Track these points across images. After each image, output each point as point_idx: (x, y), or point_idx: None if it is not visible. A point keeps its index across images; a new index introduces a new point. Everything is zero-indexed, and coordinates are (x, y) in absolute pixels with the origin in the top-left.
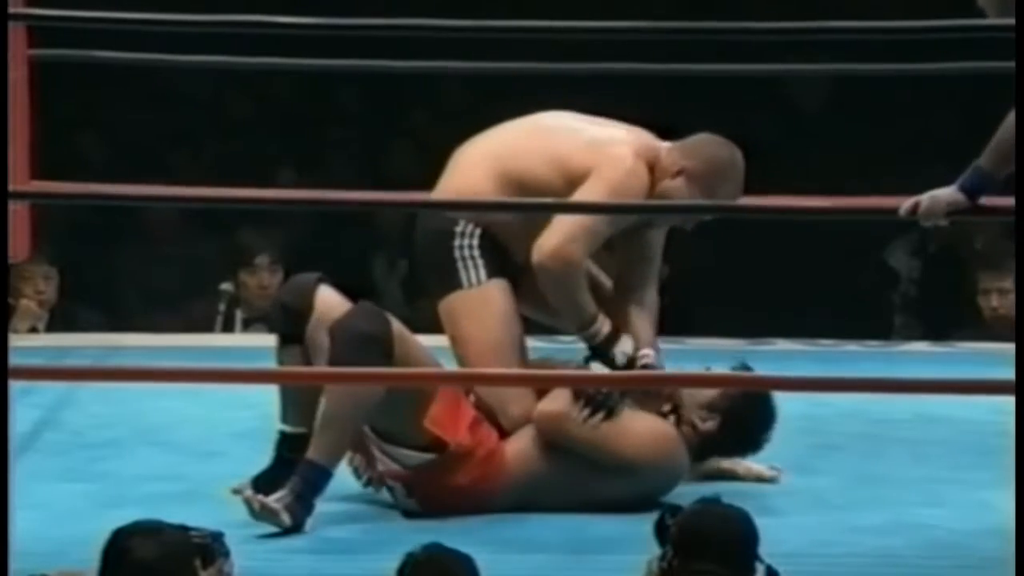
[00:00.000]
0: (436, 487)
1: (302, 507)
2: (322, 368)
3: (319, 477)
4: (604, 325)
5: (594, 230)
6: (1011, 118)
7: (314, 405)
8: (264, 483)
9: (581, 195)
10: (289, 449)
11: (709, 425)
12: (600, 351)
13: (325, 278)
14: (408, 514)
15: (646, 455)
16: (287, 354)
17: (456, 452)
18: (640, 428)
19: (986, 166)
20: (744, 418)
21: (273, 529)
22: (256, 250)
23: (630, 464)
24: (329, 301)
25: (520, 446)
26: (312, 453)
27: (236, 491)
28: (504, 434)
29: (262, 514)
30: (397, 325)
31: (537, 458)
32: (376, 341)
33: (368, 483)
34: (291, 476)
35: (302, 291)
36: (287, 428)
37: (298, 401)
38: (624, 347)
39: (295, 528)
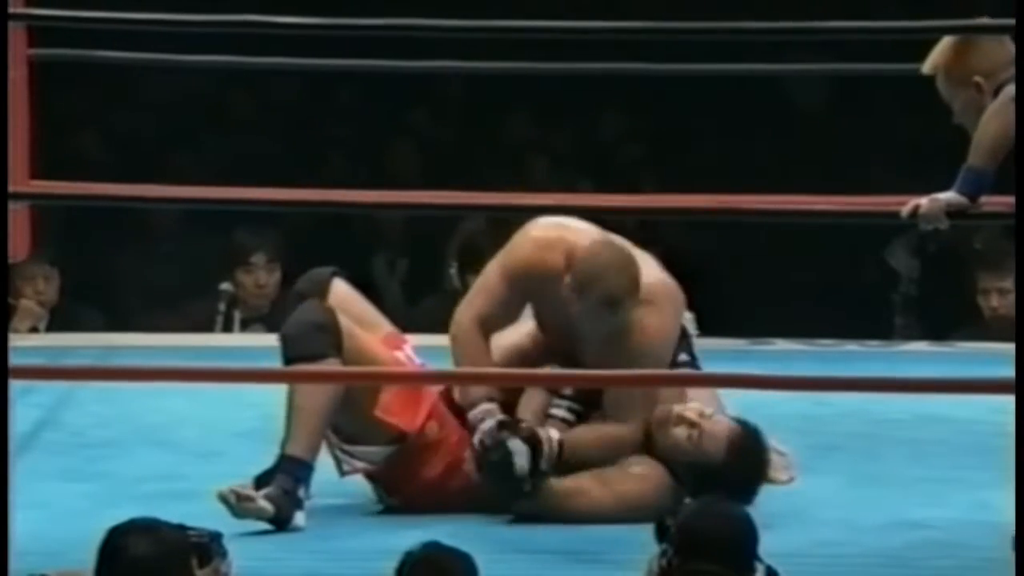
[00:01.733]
0: (408, 481)
1: (288, 501)
2: (320, 368)
3: (300, 470)
4: (490, 411)
5: (489, 297)
6: (988, 114)
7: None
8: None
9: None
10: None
11: (677, 433)
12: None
13: (340, 272)
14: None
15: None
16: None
17: (419, 441)
18: (636, 489)
19: (976, 164)
20: (729, 475)
21: (272, 529)
22: (253, 249)
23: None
24: (343, 294)
25: None
26: (290, 448)
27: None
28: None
29: (241, 506)
30: (345, 320)
31: None
32: (325, 330)
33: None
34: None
35: (317, 283)
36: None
37: (303, 430)
38: (516, 448)
39: (282, 521)
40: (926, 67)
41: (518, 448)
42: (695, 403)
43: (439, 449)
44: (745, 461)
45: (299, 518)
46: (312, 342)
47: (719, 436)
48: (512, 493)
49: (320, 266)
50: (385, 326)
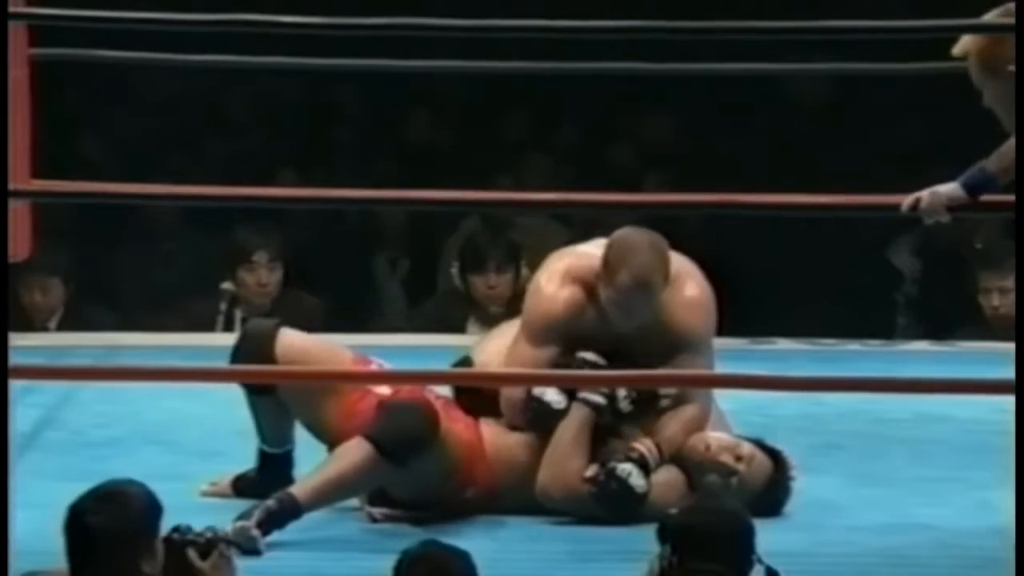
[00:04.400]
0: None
1: (263, 531)
2: (318, 368)
3: (291, 514)
4: None
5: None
6: None
7: (289, 427)
8: (246, 484)
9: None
10: (272, 467)
11: (714, 479)
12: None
13: (281, 323)
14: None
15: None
16: (261, 404)
17: (454, 503)
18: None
19: (990, 169)
20: (758, 506)
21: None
22: (254, 248)
23: None
24: (291, 343)
25: (493, 431)
26: (297, 489)
27: (208, 493)
28: (477, 418)
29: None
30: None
31: (511, 443)
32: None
33: None
34: (268, 495)
35: (262, 340)
36: (268, 449)
37: (273, 425)
38: None
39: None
40: (956, 50)
41: (629, 470)
42: (726, 436)
43: (473, 503)
44: (776, 493)
45: (261, 544)
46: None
47: (756, 481)
48: (632, 509)
49: (321, 266)
50: (347, 353)
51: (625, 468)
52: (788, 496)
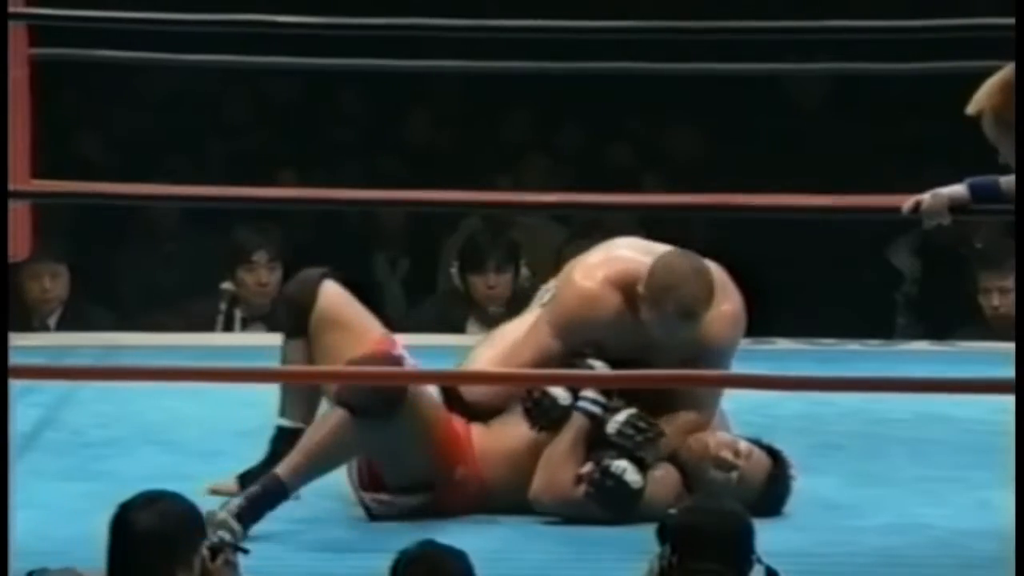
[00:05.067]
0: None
1: (250, 516)
2: (322, 368)
3: (276, 495)
4: None
5: (540, 352)
6: None
7: (315, 400)
8: (251, 480)
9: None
10: (285, 444)
11: (715, 475)
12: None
13: (330, 273)
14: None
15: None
16: (291, 348)
17: (448, 487)
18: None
19: (1003, 186)
20: (760, 505)
21: (272, 528)
22: (254, 248)
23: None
24: (332, 296)
25: (483, 427)
26: (280, 469)
27: (215, 491)
28: (472, 418)
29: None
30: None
31: (502, 435)
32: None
33: None
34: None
35: (306, 285)
36: (285, 423)
37: (298, 396)
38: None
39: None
40: (971, 108)
41: (623, 466)
42: (725, 435)
43: (463, 489)
44: (777, 490)
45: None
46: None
47: (756, 477)
48: (629, 506)
49: (321, 265)
50: (377, 328)
51: (620, 465)
52: (788, 494)
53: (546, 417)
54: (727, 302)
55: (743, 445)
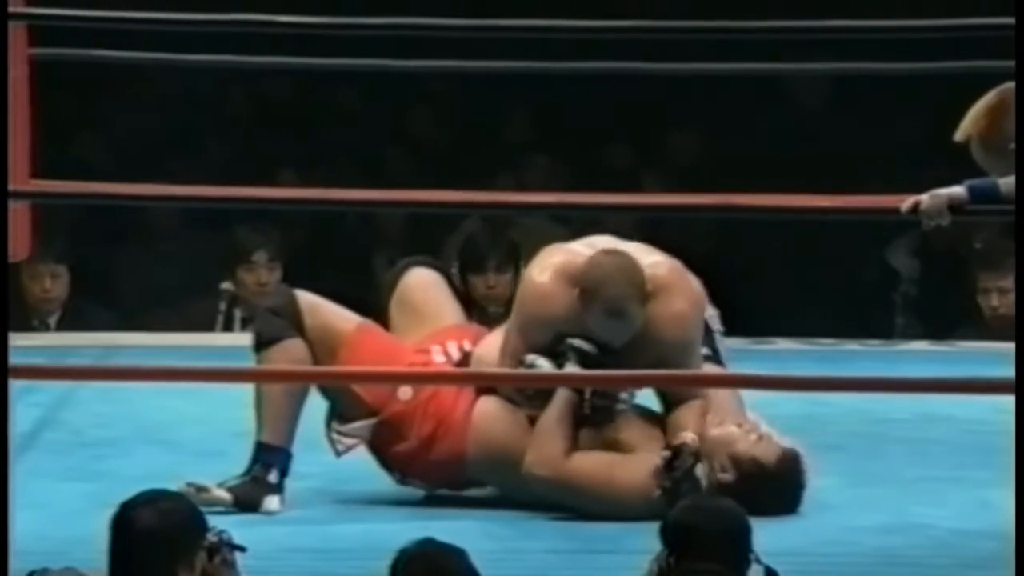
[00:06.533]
0: (397, 452)
1: (256, 487)
2: (319, 368)
3: (269, 456)
4: None
5: (515, 356)
6: None
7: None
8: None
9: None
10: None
11: (725, 476)
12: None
13: (423, 261)
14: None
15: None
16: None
17: (394, 408)
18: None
19: (1002, 188)
20: (759, 489)
21: (272, 528)
22: (254, 248)
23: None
24: (413, 281)
25: (488, 406)
26: (260, 435)
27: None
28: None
29: (200, 497)
30: (309, 299)
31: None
32: (279, 313)
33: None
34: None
35: (395, 273)
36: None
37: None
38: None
39: (249, 506)
40: (959, 135)
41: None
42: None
43: (418, 413)
44: (793, 479)
45: (271, 503)
46: (267, 326)
47: (771, 454)
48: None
49: (321, 265)
50: (448, 318)
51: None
52: (805, 486)
53: (534, 392)
54: (676, 301)
55: (758, 426)
